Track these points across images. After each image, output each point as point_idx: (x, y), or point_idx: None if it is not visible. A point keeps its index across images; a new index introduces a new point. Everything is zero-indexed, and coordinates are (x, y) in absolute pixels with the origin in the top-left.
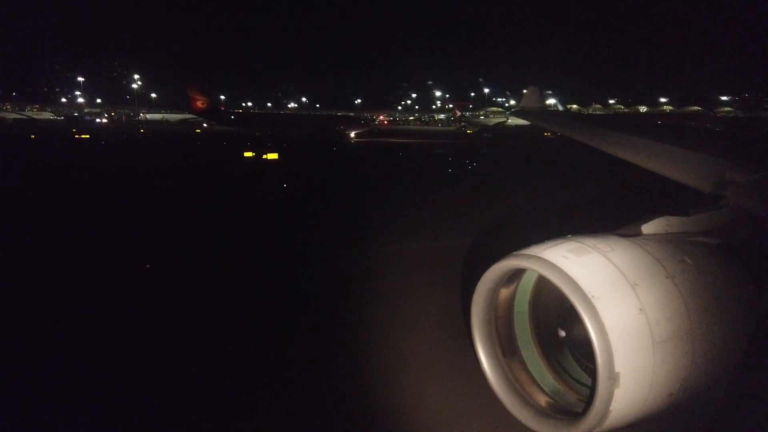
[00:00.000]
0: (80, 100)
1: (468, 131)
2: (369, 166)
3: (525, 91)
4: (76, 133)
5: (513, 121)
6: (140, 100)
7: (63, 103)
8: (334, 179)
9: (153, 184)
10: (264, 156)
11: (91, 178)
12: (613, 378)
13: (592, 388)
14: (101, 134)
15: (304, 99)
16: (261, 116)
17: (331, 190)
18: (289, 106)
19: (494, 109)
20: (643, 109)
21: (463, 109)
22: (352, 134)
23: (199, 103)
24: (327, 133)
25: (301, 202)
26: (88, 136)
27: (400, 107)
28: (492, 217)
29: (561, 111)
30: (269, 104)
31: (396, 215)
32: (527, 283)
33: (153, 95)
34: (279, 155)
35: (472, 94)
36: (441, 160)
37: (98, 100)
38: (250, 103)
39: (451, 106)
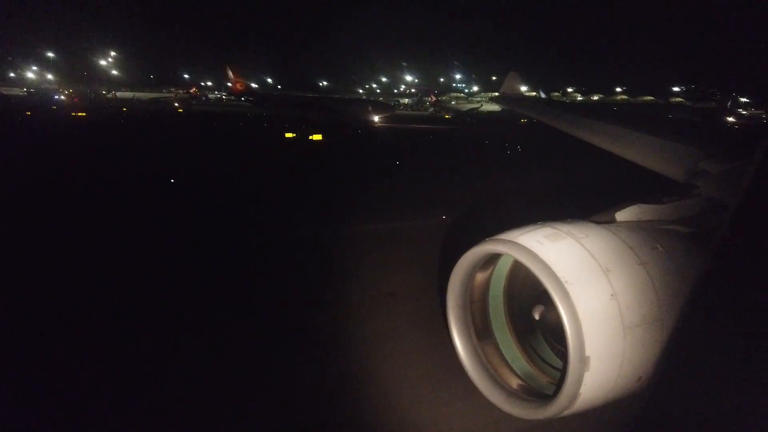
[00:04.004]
0: (30, 75)
1: (446, 116)
2: (429, 148)
3: (496, 77)
4: (72, 111)
5: (485, 107)
6: (101, 77)
7: (11, 78)
8: (417, 159)
9: (248, 166)
10: (310, 137)
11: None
12: (584, 361)
13: (563, 371)
14: (98, 113)
15: (269, 80)
16: (291, 98)
17: (436, 168)
18: (252, 86)
19: (456, 94)
20: (595, 97)
21: (428, 94)
22: (376, 118)
23: (238, 85)
24: (355, 116)
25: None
26: (84, 114)
27: (361, 90)
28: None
29: (542, 98)
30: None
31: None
32: (503, 267)
33: (114, 72)
34: (323, 136)
35: (441, 79)
36: (485, 143)
37: (49, 76)
38: (210, 83)
39: (414, 90)
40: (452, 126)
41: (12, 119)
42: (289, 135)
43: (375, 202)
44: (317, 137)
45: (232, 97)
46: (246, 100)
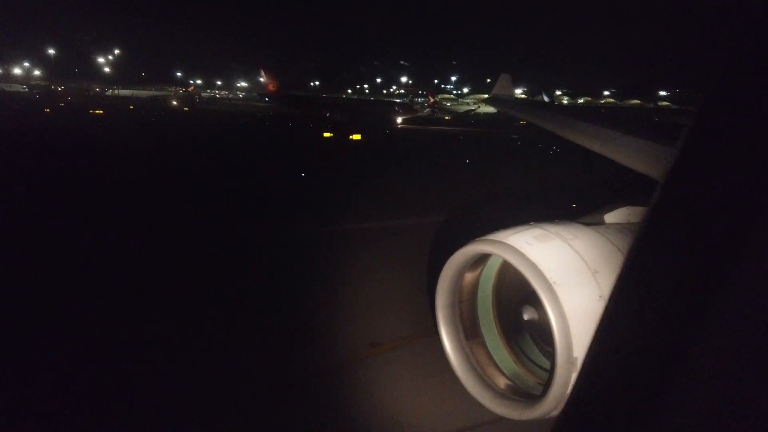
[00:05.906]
0: (17, 71)
1: (446, 117)
2: (478, 148)
3: (490, 79)
4: (89, 109)
5: (481, 109)
6: (92, 74)
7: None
8: (482, 158)
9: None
10: (350, 137)
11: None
12: (572, 362)
13: (551, 372)
14: (117, 111)
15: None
16: (313, 98)
17: (507, 166)
18: (238, 85)
19: (446, 95)
20: (581, 100)
21: (426, 95)
22: (399, 119)
23: (271, 86)
24: (379, 117)
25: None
26: (101, 112)
27: (350, 90)
28: None
29: (534, 101)
30: (219, 83)
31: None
32: (491, 268)
33: (106, 70)
34: (361, 136)
35: (436, 81)
36: (518, 144)
37: (36, 72)
38: (199, 81)
39: (403, 91)
40: (468, 128)
41: (47, 118)
42: (327, 134)
43: (503, 196)
44: (356, 137)
45: (224, 95)
46: (270, 99)
